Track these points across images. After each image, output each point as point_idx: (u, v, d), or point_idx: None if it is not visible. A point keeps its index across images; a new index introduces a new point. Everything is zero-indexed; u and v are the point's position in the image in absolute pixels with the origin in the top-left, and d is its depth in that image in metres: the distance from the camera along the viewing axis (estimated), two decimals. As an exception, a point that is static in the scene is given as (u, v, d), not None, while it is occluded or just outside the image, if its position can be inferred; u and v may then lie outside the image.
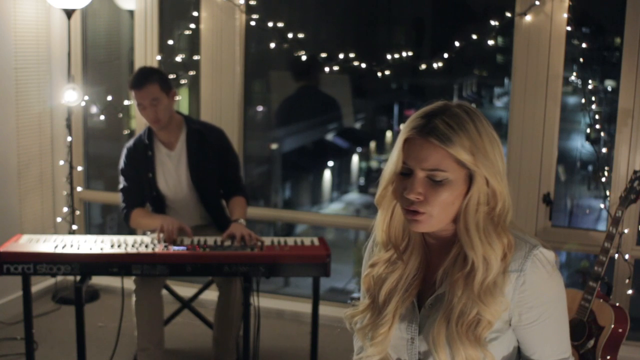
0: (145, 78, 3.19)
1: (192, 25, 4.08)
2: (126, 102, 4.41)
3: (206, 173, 3.32)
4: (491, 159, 1.35)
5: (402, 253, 1.47)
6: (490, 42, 3.65)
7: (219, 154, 3.33)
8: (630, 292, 3.42)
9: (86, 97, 4.31)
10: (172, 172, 3.33)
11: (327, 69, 3.93)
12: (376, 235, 1.51)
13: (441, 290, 1.42)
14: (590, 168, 4.45)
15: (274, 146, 4.95)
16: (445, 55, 3.71)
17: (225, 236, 3.07)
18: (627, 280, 3.42)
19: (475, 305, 1.35)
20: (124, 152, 3.36)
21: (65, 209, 4.29)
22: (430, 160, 1.34)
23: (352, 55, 3.89)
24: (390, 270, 1.47)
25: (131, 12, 4.31)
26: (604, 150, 3.53)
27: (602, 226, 4.14)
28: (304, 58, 3.96)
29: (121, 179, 3.36)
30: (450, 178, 1.34)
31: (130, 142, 3.38)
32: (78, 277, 2.95)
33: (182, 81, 4.28)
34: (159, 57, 4.17)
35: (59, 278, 4.27)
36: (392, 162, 1.40)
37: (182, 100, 4.67)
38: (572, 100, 4.01)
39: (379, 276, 1.49)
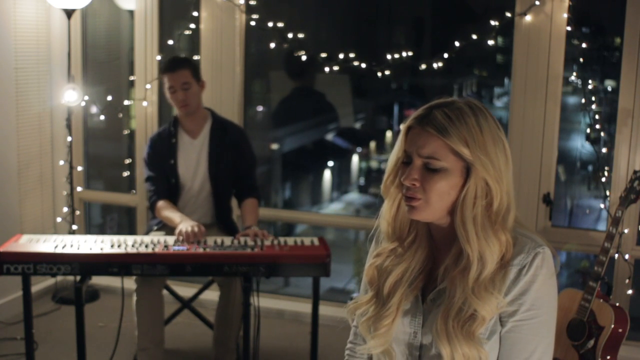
0: (178, 63, 3.33)
1: (192, 25, 4.08)
2: (126, 102, 4.41)
3: (223, 165, 3.39)
4: (490, 156, 1.36)
5: (409, 246, 1.48)
6: (490, 42, 3.65)
7: (237, 150, 3.41)
8: (630, 292, 3.42)
9: (86, 97, 4.31)
10: (192, 159, 3.39)
11: (327, 69, 3.94)
12: (381, 226, 1.52)
13: (442, 286, 1.43)
14: (590, 168, 4.45)
15: (275, 146, 4.95)
16: (445, 55, 3.71)
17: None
18: (627, 280, 3.43)
19: (471, 301, 1.36)
20: (148, 142, 3.47)
21: (65, 209, 4.29)
22: (426, 147, 1.37)
23: (352, 55, 3.89)
24: (396, 262, 1.49)
25: (131, 12, 4.31)
26: (604, 150, 3.53)
27: (602, 226, 4.14)
28: (304, 58, 3.96)
29: (145, 169, 3.44)
30: (446, 167, 1.36)
31: (154, 133, 3.50)
32: (78, 277, 2.95)
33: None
34: (159, 57, 4.17)
35: (59, 278, 4.27)
36: (394, 151, 1.45)
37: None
38: (572, 100, 4.01)
39: (384, 268, 1.50)
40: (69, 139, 4.14)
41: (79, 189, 4.44)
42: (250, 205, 3.37)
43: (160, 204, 3.34)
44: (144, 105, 4.25)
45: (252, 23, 3.99)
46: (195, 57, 4.15)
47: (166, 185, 3.39)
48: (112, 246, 2.94)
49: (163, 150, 3.40)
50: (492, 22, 3.61)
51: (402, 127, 1.44)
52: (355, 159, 5.38)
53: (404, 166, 1.42)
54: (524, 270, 1.37)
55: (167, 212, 3.29)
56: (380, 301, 1.49)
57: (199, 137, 3.40)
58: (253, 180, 3.47)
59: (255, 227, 3.21)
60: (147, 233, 3.41)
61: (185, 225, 3.08)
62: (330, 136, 5.23)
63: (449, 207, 1.39)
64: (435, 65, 3.74)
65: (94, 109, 4.52)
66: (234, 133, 3.44)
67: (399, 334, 1.48)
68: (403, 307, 1.47)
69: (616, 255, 3.36)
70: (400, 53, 3.83)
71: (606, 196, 3.49)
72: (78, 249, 2.91)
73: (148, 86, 4.21)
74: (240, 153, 3.42)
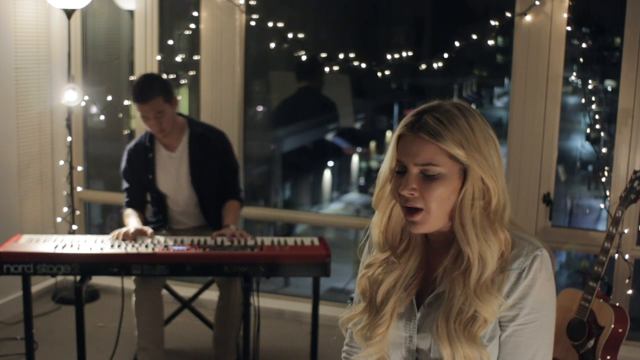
0: (148, 91, 3.14)
1: (192, 25, 4.08)
2: (126, 102, 4.41)
3: (206, 175, 3.32)
4: (484, 154, 1.35)
5: (401, 254, 1.47)
6: (490, 42, 3.65)
7: (219, 157, 3.34)
8: (630, 292, 3.42)
9: (86, 97, 4.31)
10: (172, 173, 3.33)
11: (327, 69, 3.94)
12: (372, 237, 1.51)
13: (441, 289, 1.42)
14: (590, 168, 4.45)
15: (275, 146, 4.94)
16: (445, 55, 3.71)
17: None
18: (627, 280, 3.42)
19: (472, 302, 1.35)
20: (125, 154, 3.38)
21: (65, 209, 4.29)
22: (422, 155, 1.35)
23: (352, 55, 3.89)
24: (388, 270, 1.47)
25: (131, 12, 4.31)
26: (604, 150, 3.53)
27: (602, 226, 4.14)
28: (303, 58, 3.96)
29: (123, 180, 3.40)
30: (443, 172, 1.35)
31: (131, 144, 3.40)
32: (78, 277, 2.95)
33: (182, 81, 4.28)
34: (159, 57, 4.17)
35: (59, 278, 4.27)
36: (386, 161, 1.42)
37: (182, 100, 4.66)
38: (572, 100, 4.01)
39: (376, 277, 1.49)
40: (69, 139, 4.14)
41: (79, 189, 4.44)
42: (231, 206, 3.32)
43: (126, 211, 3.30)
44: (144, 105, 4.24)
45: (252, 23, 3.99)
46: (195, 57, 4.15)
47: (141, 198, 3.36)
48: (112, 246, 2.94)
49: (139, 165, 3.33)
50: (492, 22, 3.61)
51: (393, 136, 1.41)
52: (355, 159, 5.38)
53: (397, 176, 1.39)
54: (524, 274, 1.37)
55: (127, 219, 3.24)
56: (374, 310, 1.48)
57: (177, 150, 3.31)
58: (236, 185, 3.40)
59: (233, 227, 3.17)
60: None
61: (125, 230, 3.04)
62: (330, 136, 5.23)
63: (450, 212, 1.38)
64: (435, 65, 3.74)
65: (94, 109, 4.52)
66: (215, 140, 3.35)
67: (394, 339, 1.47)
68: (397, 313, 1.46)
69: (616, 255, 3.36)
70: (400, 53, 3.83)
71: (606, 196, 3.49)
72: (78, 249, 2.91)
73: (148, 86, 4.20)
74: (222, 160, 3.34)
